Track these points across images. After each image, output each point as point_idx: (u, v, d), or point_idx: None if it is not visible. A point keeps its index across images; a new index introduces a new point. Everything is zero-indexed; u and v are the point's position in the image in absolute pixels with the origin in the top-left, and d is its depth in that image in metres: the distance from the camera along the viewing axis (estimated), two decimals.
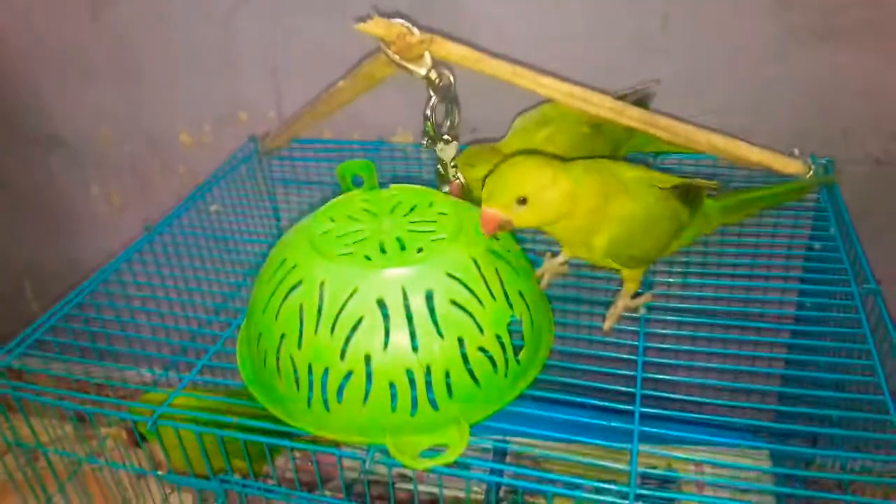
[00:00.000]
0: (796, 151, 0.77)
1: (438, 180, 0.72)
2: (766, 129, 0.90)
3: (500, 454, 0.98)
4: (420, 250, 0.55)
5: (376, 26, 0.62)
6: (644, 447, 0.54)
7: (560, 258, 0.72)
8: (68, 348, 0.69)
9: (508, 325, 0.55)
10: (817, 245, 0.75)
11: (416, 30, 0.62)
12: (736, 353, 0.71)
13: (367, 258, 0.54)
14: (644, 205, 0.62)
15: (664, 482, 0.88)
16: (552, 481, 0.52)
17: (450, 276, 0.54)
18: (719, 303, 0.77)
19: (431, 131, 0.66)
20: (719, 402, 0.62)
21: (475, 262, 0.55)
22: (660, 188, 0.64)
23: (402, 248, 0.55)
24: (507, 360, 0.55)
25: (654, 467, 0.88)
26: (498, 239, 0.59)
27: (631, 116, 0.70)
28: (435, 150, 0.69)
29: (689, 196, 0.66)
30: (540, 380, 0.59)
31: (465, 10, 0.93)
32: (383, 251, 0.55)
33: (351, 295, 0.52)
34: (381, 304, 0.52)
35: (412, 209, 0.61)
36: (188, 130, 1.13)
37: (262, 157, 0.97)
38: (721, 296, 0.80)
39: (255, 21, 1.01)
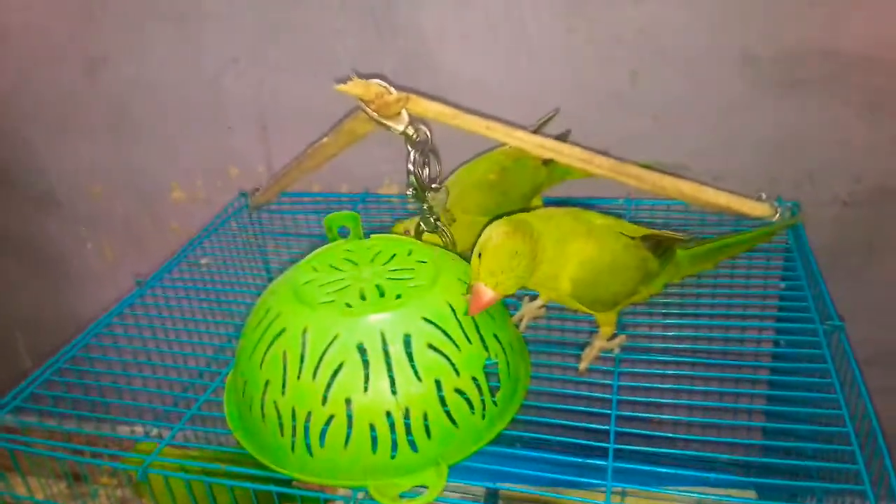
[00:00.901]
0: (763, 195, 0.81)
1: (427, 227, 0.74)
2: (736, 175, 0.94)
3: (492, 496, 0.99)
4: (398, 297, 0.57)
5: (355, 87, 0.65)
6: (630, 487, 0.56)
7: (538, 301, 0.75)
8: (62, 402, 0.71)
9: (484, 367, 0.57)
10: (783, 285, 0.78)
11: (393, 89, 0.66)
12: (710, 389, 0.73)
13: (348, 305, 0.57)
14: (609, 250, 0.64)
15: None
16: None
17: (427, 320, 0.56)
18: (698, 342, 0.80)
19: (417, 184, 0.69)
20: (681, 436, 0.63)
21: (451, 307, 0.58)
22: (630, 237, 0.67)
23: (382, 294, 0.58)
24: (483, 402, 0.57)
25: None
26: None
27: (600, 165, 0.73)
28: (424, 200, 0.72)
29: (659, 247, 0.68)
30: (518, 420, 0.61)
31: (445, 71, 0.98)
32: (363, 298, 0.58)
33: (332, 341, 0.55)
34: (361, 350, 0.54)
35: (392, 258, 0.64)
36: (180, 186, 1.16)
37: (251, 211, 1.00)
38: (700, 335, 0.82)
39: (244, 80, 1.06)
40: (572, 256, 0.63)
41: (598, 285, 0.65)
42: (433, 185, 0.69)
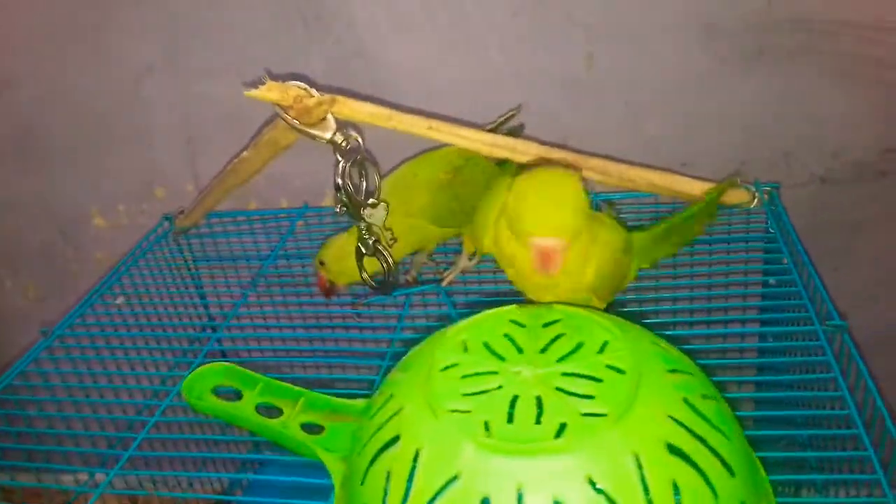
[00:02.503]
0: (738, 180, 0.74)
1: (366, 249, 0.65)
2: (706, 161, 0.87)
3: None
4: (561, 430, 0.38)
5: (270, 91, 0.57)
6: None
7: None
8: None
9: None
10: (772, 280, 0.70)
11: (314, 91, 0.57)
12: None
13: (485, 426, 0.39)
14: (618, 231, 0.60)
15: None
16: None
17: (592, 485, 0.37)
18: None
19: (346, 198, 0.60)
20: None
21: (639, 463, 0.38)
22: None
23: (538, 419, 0.40)
24: None
25: None
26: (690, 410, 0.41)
27: (559, 160, 0.65)
28: (360, 218, 0.63)
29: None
30: None
31: (383, 66, 0.88)
32: (510, 420, 0.40)
33: (447, 482, 0.38)
34: None
35: (575, 349, 0.44)
36: (101, 212, 1.05)
37: (177, 236, 0.90)
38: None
39: (164, 90, 0.95)
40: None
41: (617, 272, 0.58)
42: (370, 201, 0.60)
